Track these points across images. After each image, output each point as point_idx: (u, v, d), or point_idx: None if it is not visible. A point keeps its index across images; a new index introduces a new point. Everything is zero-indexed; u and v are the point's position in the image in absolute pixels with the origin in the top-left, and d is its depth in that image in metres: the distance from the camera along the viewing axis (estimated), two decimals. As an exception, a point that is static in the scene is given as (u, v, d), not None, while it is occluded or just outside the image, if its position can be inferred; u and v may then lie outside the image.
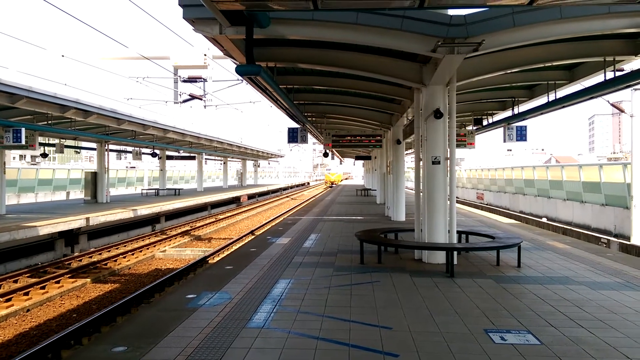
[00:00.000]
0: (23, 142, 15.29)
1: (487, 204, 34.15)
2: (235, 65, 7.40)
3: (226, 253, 14.95)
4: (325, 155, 25.01)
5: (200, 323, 5.28)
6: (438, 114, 8.62)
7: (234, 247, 16.71)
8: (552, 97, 12.15)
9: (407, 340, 4.79)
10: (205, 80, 17.89)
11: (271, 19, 6.82)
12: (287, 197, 50.30)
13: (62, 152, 23.95)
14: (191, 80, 17.86)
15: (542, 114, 13.55)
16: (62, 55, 14.32)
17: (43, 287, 11.53)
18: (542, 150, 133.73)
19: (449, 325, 5.23)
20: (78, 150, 29.89)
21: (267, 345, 4.63)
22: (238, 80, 16.70)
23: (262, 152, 47.97)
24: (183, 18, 6.83)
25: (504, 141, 16.33)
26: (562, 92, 12.09)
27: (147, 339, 4.80)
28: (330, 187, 65.00)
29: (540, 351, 4.53)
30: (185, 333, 4.97)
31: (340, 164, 77.82)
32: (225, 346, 4.59)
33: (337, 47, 8.91)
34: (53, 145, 23.57)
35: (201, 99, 18.49)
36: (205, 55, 15.91)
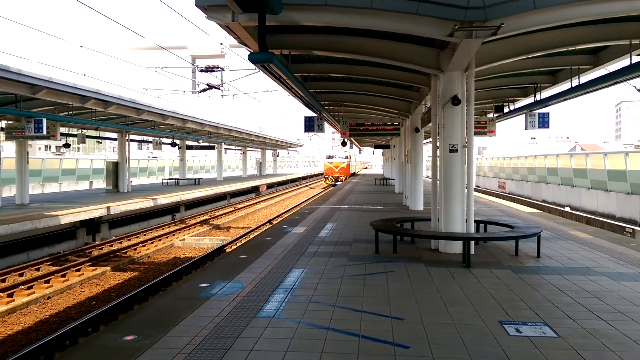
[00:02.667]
0: (44, 133, 15.54)
1: (509, 193, 33.59)
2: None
3: (243, 242, 15.01)
4: (344, 144, 24.85)
5: (212, 312, 5.27)
6: (456, 101, 8.41)
7: (251, 236, 16.78)
8: (575, 82, 11.77)
9: (419, 331, 4.69)
10: (222, 69, 17.90)
11: (284, 5, 6.69)
12: (306, 186, 50.36)
13: (84, 142, 24.32)
14: (208, 69, 17.88)
15: (565, 100, 13.15)
16: (81, 46, 14.46)
17: (64, 275, 11.76)
18: (567, 138, 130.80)
19: (463, 317, 5.12)
20: (100, 140, 30.27)
21: (276, 335, 4.59)
22: (254, 69, 16.62)
23: (281, 141, 47.99)
24: (195, 5, 6.76)
25: (526, 128, 15.94)
26: (586, 78, 11.70)
27: (158, 328, 4.81)
28: (333, 185, 43.08)
29: (557, 344, 4.39)
30: (196, 322, 4.96)
31: (360, 152, 73.10)
32: (235, 336, 4.57)
33: (352, 33, 8.75)
34: (75, 135, 23.95)
35: (219, 89, 18.51)
36: (221, 44, 15.89)
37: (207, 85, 18.26)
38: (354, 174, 55.24)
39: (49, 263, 12.94)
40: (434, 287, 6.33)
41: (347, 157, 48.81)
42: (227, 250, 14.46)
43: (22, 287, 10.56)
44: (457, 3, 6.58)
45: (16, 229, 12.42)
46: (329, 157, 49.48)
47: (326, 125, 18.95)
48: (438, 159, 9.08)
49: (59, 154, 65.01)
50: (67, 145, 23.69)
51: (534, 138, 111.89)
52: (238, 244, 15.40)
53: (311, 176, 67.87)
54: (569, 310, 5.33)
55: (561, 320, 5.03)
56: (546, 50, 9.10)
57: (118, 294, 10.55)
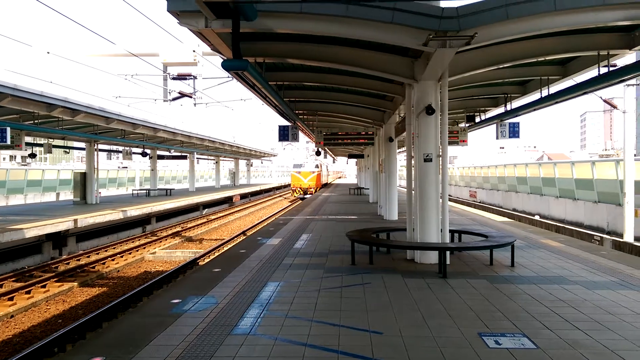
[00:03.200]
0: (8, 142, 14.94)
1: (480, 202, 34.08)
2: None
3: (217, 254, 14.70)
4: (318, 153, 24.79)
5: (184, 330, 5.05)
6: (430, 110, 8.43)
7: (225, 248, 16.46)
8: (545, 92, 12.00)
9: (399, 345, 4.59)
10: (195, 77, 17.59)
11: (258, 11, 6.59)
12: (280, 196, 50.04)
13: (50, 152, 23.54)
14: (181, 77, 17.55)
15: (535, 110, 13.40)
16: (48, 52, 13.99)
17: (28, 292, 11.24)
18: (535, 147, 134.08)
19: (442, 329, 5.04)
20: (67, 150, 29.41)
21: (252, 354, 4.41)
22: (228, 77, 16.43)
23: (255, 151, 47.64)
24: (167, 11, 6.58)
25: (497, 138, 16.19)
26: (555, 88, 11.95)
27: (127, 348, 4.57)
28: (302, 198, 38.44)
29: (537, 356, 4.35)
30: (168, 341, 4.74)
31: (334, 162, 72.90)
32: (209, 355, 4.38)
33: (328, 41, 8.70)
34: (41, 145, 23.19)
35: (191, 97, 18.19)
36: (194, 51, 15.63)
37: (179, 93, 17.92)
38: (326, 185, 50.73)
39: (13, 279, 12.37)
40: (411, 298, 6.25)
41: (317, 167, 43.58)
42: (200, 264, 14.12)
43: (-18, 304, 10.03)
44: (431, 12, 6.61)
45: (-24, 244, 11.84)
46: (297, 165, 43.54)
47: (301, 134, 18.86)
48: (413, 168, 9.07)
49: (24, 164, 63.01)
50: (32, 156, 22.90)
51: (503, 147, 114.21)
52: (211, 257, 15.07)
53: (285, 186, 67.53)
54: (546, 321, 5.31)
55: (539, 330, 5.01)
56: (517, 61, 9.23)
57: (86, 311, 10.13)
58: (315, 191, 41.07)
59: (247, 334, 4.93)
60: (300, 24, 6.84)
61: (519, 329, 5.05)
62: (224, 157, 46.60)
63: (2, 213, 18.63)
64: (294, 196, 41.88)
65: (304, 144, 67.11)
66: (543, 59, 9.46)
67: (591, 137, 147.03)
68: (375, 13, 6.56)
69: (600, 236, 16.26)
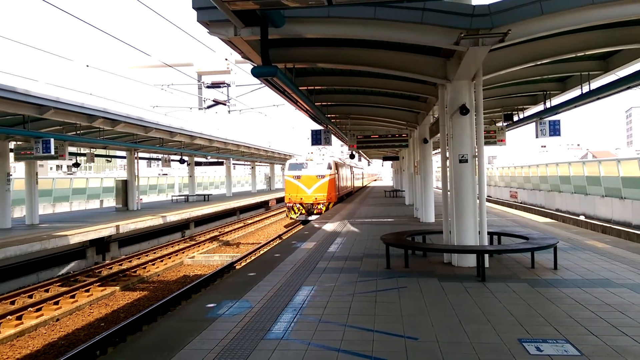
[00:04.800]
0: (52, 152, 15.57)
1: (521, 203, 33.15)
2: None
3: (252, 258, 14.84)
4: (352, 156, 24.71)
5: (218, 334, 5.10)
6: (464, 110, 8.25)
7: (261, 252, 16.60)
8: (585, 88, 11.56)
9: (435, 351, 4.48)
10: (228, 85, 17.88)
11: (286, 17, 6.62)
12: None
13: (93, 161, 24.40)
14: (215, 85, 17.88)
15: (576, 106, 12.93)
16: (87, 66, 14.53)
17: (73, 296, 11.65)
18: (578, 145, 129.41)
19: (480, 335, 4.89)
20: (109, 159, 30.41)
21: (285, 358, 4.40)
22: (260, 84, 16.60)
23: (290, 155, 47.97)
24: (197, 21, 6.71)
25: (537, 136, 15.71)
26: (596, 84, 11.49)
27: (162, 353, 4.65)
28: (304, 222, 23.89)
29: (581, 363, 4.16)
30: (202, 345, 4.79)
31: (369, 165, 72.02)
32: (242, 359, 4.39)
33: (357, 44, 8.66)
34: (84, 155, 24.07)
35: (225, 104, 18.48)
36: (227, 60, 15.90)
37: (213, 101, 18.25)
38: (351, 194, 37.77)
39: (59, 284, 12.85)
40: (448, 303, 6.10)
41: (330, 166, 26.53)
42: (237, 267, 14.29)
43: (31, 309, 10.45)
44: (462, 11, 6.47)
45: (25, 250, 12.38)
46: (295, 166, 26.71)
47: (334, 138, 18.85)
48: (448, 169, 8.89)
49: (70, 174, 65.58)
50: (76, 165, 23.79)
51: (545, 146, 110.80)
52: (247, 260, 15.23)
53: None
54: (591, 326, 5.08)
55: (583, 336, 4.79)
56: (555, 57, 8.91)
57: (127, 314, 10.41)
58: (328, 208, 25.35)
59: (280, 338, 4.93)
60: (328, 28, 6.83)
61: (562, 334, 4.85)
62: (259, 162, 47.12)
63: (48, 220, 19.42)
64: (291, 218, 26.34)
65: (338, 147, 66.56)
66: (583, 53, 9.11)
67: (638, 134, 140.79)
68: (404, 14, 6.48)
69: (649, 236, 15.49)
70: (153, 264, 15.66)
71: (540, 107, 15.10)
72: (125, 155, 26.01)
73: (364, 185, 61.94)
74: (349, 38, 7.95)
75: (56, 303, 11.09)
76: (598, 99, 11.70)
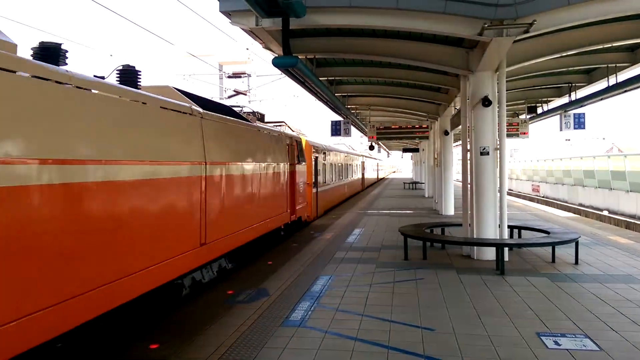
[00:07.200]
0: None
1: (543, 197, 32.66)
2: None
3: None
4: (371, 148, 24.63)
5: (237, 321, 5.18)
6: (486, 102, 8.15)
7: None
8: (612, 81, 11.30)
9: (451, 343, 4.49)
10: (249, 75, 17.99)
11: (307, 7, 6.60)
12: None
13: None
14: (235, 75, 18.01)
15: (601, 99, 12.66)
16: (111, 55, 14.75)
17: None
18: (603, 138, 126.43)
19: (498, 328, 4.88)
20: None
21: (301, 346, 4.47)
22: (280, 74, 16.65)
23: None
24: (220, 11, 6.77)
25: (560, 129, 15.49)
26: (624, 76, 11.21)
27: (182, 337, 4.76)
28: None
29: (599, 358, 4.12)
30: (221, 331, 4.88)
31: (388, 156, 71.79)
32: (260, 346, 4.47)
33: (378, 35, 8.60)
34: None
35: (246, 94, 18.59)
36: (248, 49, 15.99)
37: (234, 91, 18.36)
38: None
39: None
40: (466, 295, 6.09)
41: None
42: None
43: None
44: (486, 1, 6.38)
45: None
46: None
47: (353, 129, 18.81)
48: (469, 162, 8.82)
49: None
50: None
51: (569, 139, 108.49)
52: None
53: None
54: (611, 321, 5.02)
55: (603, 332, 4.74)
56: (581, 48, 8.73)
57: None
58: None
59: (297, 326, 4.99)
60: (350, 18, 6.81)
61: (581, 329, 4.81)
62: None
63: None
64: None
65: (358, 139, 65.95)
66: (610, 45, 8.92)
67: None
68: (427, 3, 6.42)
69: (676, 233, 15.14)
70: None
71: (564, 100, 14.83)
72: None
73: (383, 177, 59.74)
74: (371, 28, 7.92)
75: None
76: (625, 91, 11.43)
